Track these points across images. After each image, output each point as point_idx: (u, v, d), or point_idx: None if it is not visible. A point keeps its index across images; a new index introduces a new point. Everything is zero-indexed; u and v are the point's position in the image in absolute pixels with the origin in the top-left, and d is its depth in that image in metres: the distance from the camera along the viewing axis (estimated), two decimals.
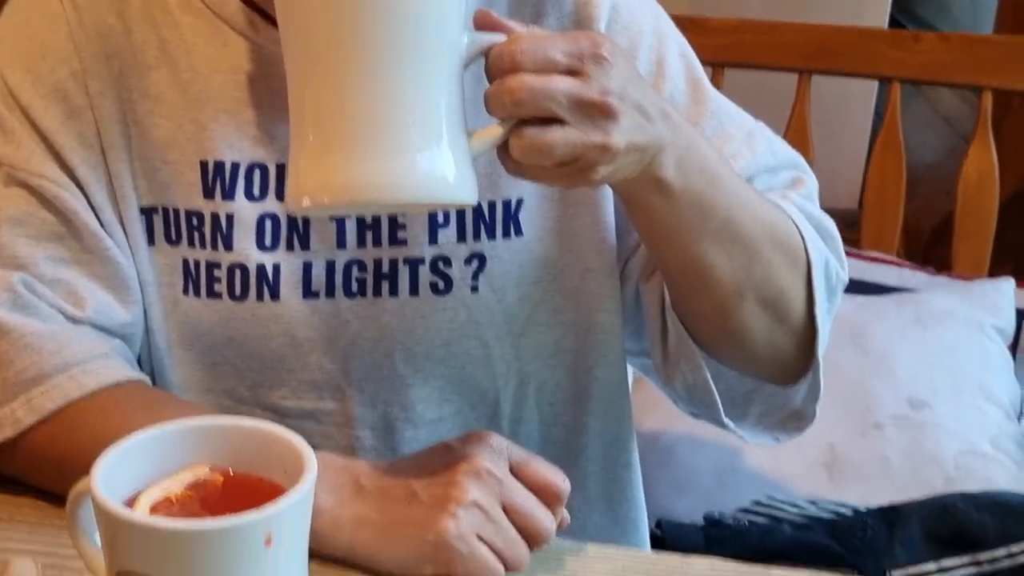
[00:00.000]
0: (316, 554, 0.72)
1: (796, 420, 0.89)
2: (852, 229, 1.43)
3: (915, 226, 2.05)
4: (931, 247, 2.12)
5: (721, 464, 1.18)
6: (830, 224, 0.89)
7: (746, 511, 1.13)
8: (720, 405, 0.86)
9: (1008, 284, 1.38)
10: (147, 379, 0.84)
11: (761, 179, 0.88)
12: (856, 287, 1.39)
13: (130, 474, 0.62)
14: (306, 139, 0.68)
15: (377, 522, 0.73)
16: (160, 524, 0.58)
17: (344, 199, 0.67)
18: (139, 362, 0.87)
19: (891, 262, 1.45)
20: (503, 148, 0.69)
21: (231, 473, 0.64)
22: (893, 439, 1.20)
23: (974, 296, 1.36)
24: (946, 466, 1.18)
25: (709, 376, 0.84)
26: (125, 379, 0.81)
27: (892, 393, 1.23)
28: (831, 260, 0.87)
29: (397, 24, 0.65)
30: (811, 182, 0.92)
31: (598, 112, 0.67)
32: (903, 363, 1.26)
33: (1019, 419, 1.28)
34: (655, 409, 1.21)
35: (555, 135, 0.67)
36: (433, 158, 0.67)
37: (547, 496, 0.73)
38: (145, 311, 0.85)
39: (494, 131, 0.68)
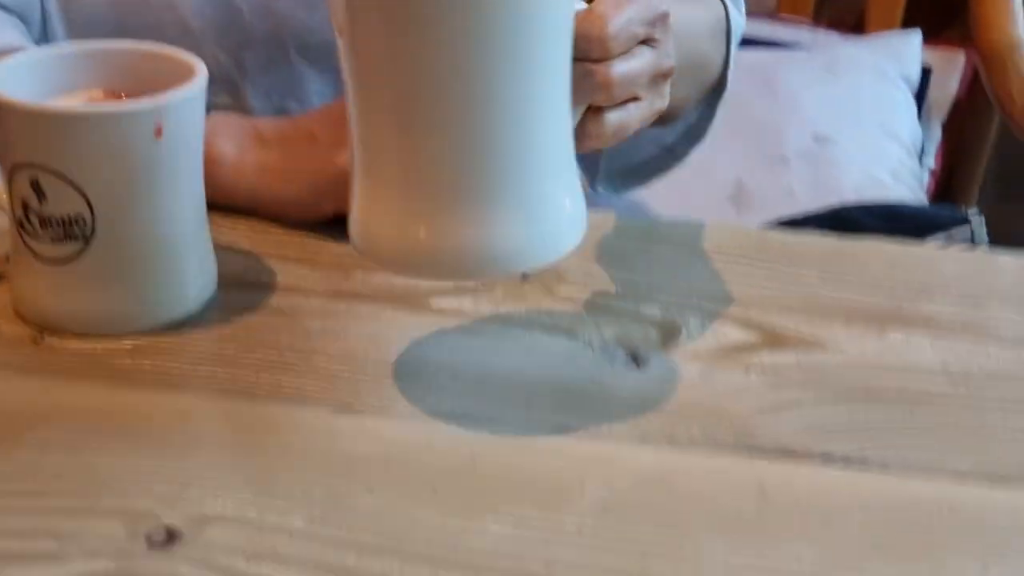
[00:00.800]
0: (217, 207, 0.76)
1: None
2: None
3: None
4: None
5: (627, 200, 1.22)
6: None
7: None
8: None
9: (916, 35, 1.42)
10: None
11: None
12: (771, 44, 1.43)
13: (20, 92, 0.62)
14: (405, 191, 0.54)
15: (278, 166, 0.76)
16: (54, 107, 0.62)
17: (470, 272, 0.58)
18: None
19: (805, 23, 1.48)
20: None
21: (124, 97, 0.67)
22: (798, 171, 1.24)
23: (882, 46, 1.40)
24: (847, 195, 1.23)
25: None
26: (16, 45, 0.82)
27: (798, 130, 1.27)
28: (737, 17, 0.90)
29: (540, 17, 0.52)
30: None
31: (663, 79, 0.66)
32: (810, 104, 1.31)
33: (920, 160, 1.33)
34: None
35: (633, 114, 0.63)
36: (575, 201, 0.57)
37: None
38: None
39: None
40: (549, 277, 0.73)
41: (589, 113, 0.61)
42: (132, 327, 0.66)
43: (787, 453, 0.59)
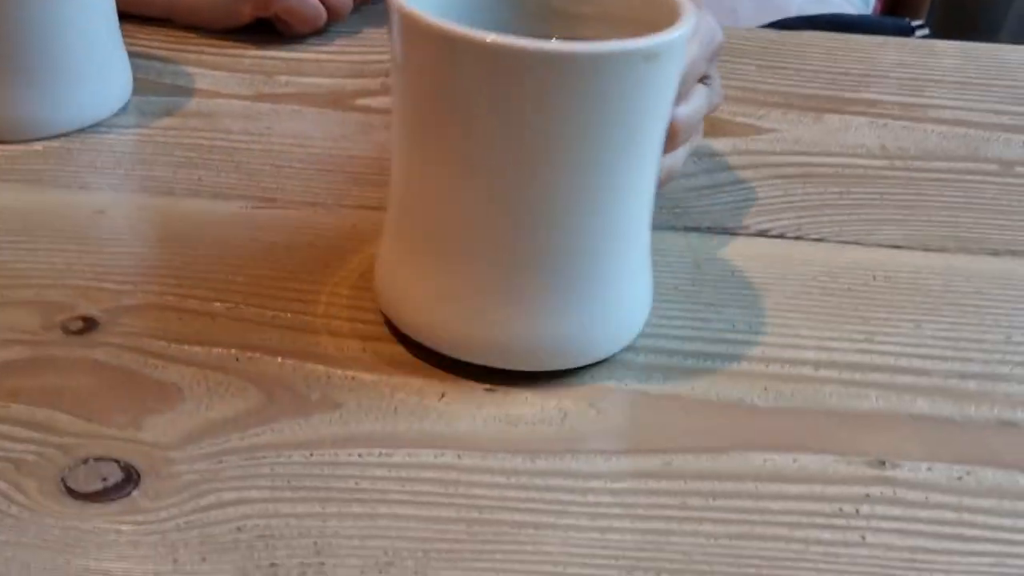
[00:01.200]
0: (131, 17, 0.72)
1: None
2: None
3: None
4: None
5: None
6: None
7: None
8: None
9: None
10: None
11: None
12: None
13: None
14: (479, 275, 0.45)
15: None
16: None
17: (550, 364, 0.47)
18: None
19: None
20: None
21: None
22: None
23: None
24: (791, 12, 1.20)
25: None
26: None
27: None
28: None
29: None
30: None
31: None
32: None
33: None
34: None
35: (680, 157, 0.56)
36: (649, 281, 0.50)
37: None
38: None
39: None
40: None
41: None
42: (42, 132, 0.63)
43: (723, 230, 0.58)
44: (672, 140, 0.53)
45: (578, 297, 0.45)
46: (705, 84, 0.56)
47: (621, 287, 0.47)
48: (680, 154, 0.56)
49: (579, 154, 0.42)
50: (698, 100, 0.55)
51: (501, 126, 0.42)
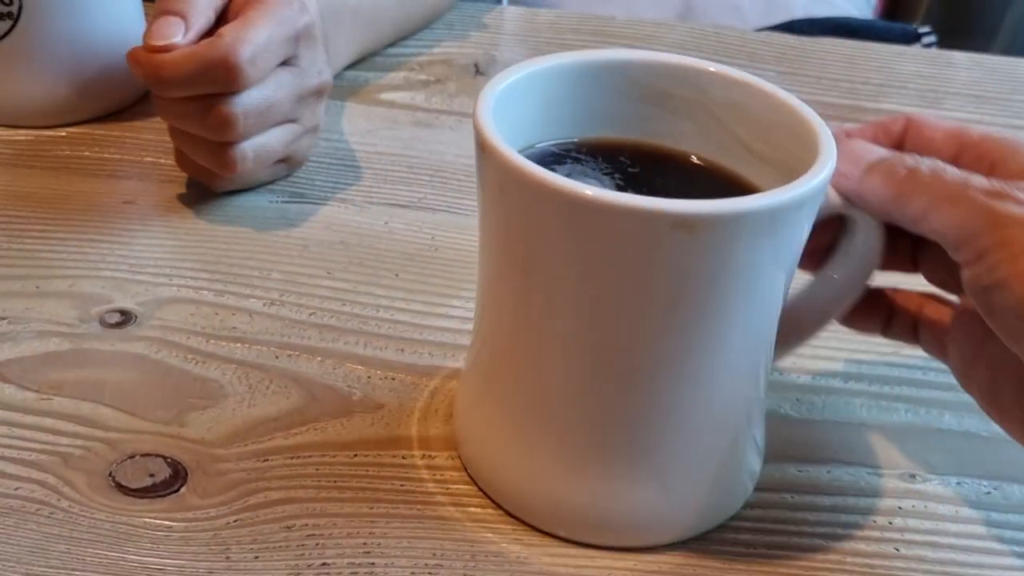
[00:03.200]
0: None
1: None
2: None
3: None
4: None
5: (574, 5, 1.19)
6: None
7: None
8: None
9: None
10: None
11: None
12: None
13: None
14: (575, 444, 0.40)
15: None
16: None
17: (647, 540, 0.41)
18: None
19: None
20: None
21: None
22: None
23: None
24: (796, 14, 1.21)
25: None
26: None
27: None
28: None
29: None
30: None
31: (315, 97, 0.58)
32: None
33: None
34: None
35: (277, 137, 0.56)
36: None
37: None
38: None
39: None
40: (501, 71, 0.71)
41: (222, 145, 0.55)
42: (67, 118, 0.63)
43: None
44: (234, 127, 0.53)
45: (683, 472, 0.40)
46: (292, 67, 0.56)
47: (727, 461, 0.41)
48: (278, 135, 0.56)
49: (697, 319, 0.37)
50: (269, 88, 0.54)
51: (618, 289, 0.36)
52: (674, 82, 0.42)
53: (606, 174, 0.41)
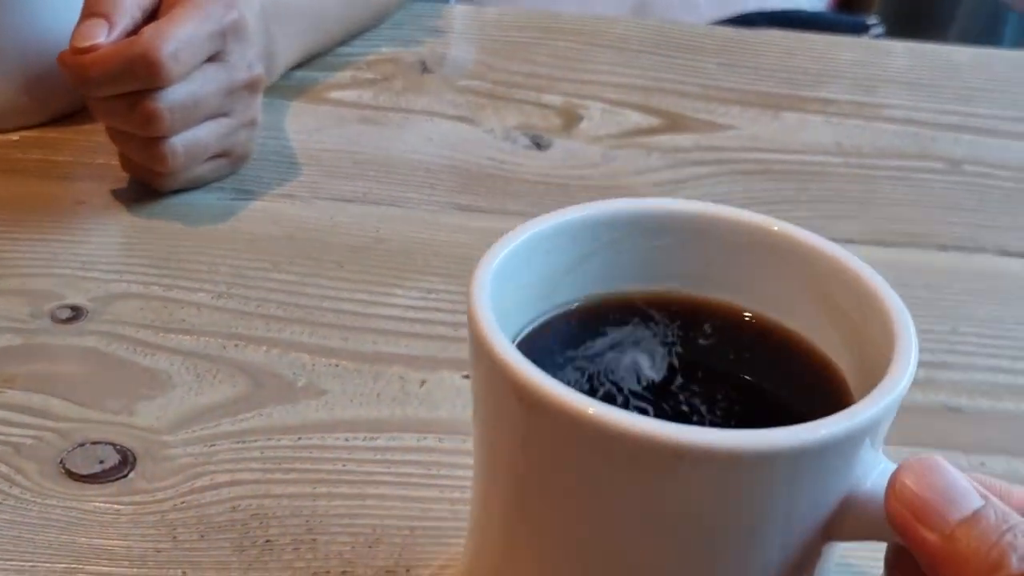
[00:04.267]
0: None
1: None
2: None
3: None
4: None
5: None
6: None
7: None
8: None
9: None
10: None
11: None
12: None
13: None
14: None
15: None
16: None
17: None
18: None
19: None
20: None
21: None
22: None
23: None
24: (749, 3, 1.23)
25: None
26: None
27: None
28: None
29: None
30: None
31: (248, 91, 0.59)
32: None
33: None
34: None
35: (211, 131, 0.58)
36: None
37: None
38: None
39: None
40: (448, 68, 0.73)
41: (152, 141, 0.56)
42: (19, 121, 0.64)
43: None
44: (159, 123, 0.54)
45: None
46: (219, 62, 0.57)
47: None
48: (212, 128, 0.57)
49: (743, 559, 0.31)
50: (195, 83, 0.55)
51: (648, 530, 0.30)
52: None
53: (666, 344, 0.35)
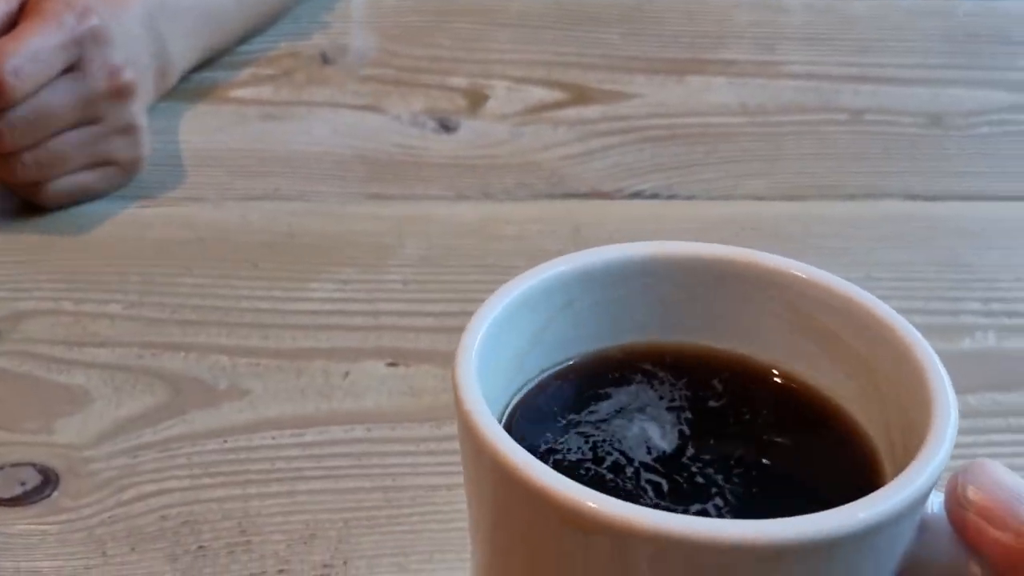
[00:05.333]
0: None
1: None
2: None
3: None
4: None
5: None
6: None
7: None
8: None
9: None
10: None
11: None
12: None
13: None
14: None
15: None
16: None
17: None
18: None
19: None
20: None
21: None
22: None
23: None
24: None
25: None
26: None
27: None
28: None
29: None
30: None
31: (116, 98, 0.57)
32: None
33: None
34: None
35: (72, 140, 0.57)
36: None
37: None
38: None
39: None
40: (349, 58, 0.72)
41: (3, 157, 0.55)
42: None
43: (599, 194, 0.60)
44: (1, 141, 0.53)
45: None
46: (74, 71, 0.56)
47: None
48: (75, 137, 0.56)
49: None
50: (41, 96, 0.54)
51: None
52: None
53: (672, 408, 0.32)
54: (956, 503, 0.29)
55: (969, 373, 0.50)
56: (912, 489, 0.26)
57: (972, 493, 0.29)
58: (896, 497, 0.26)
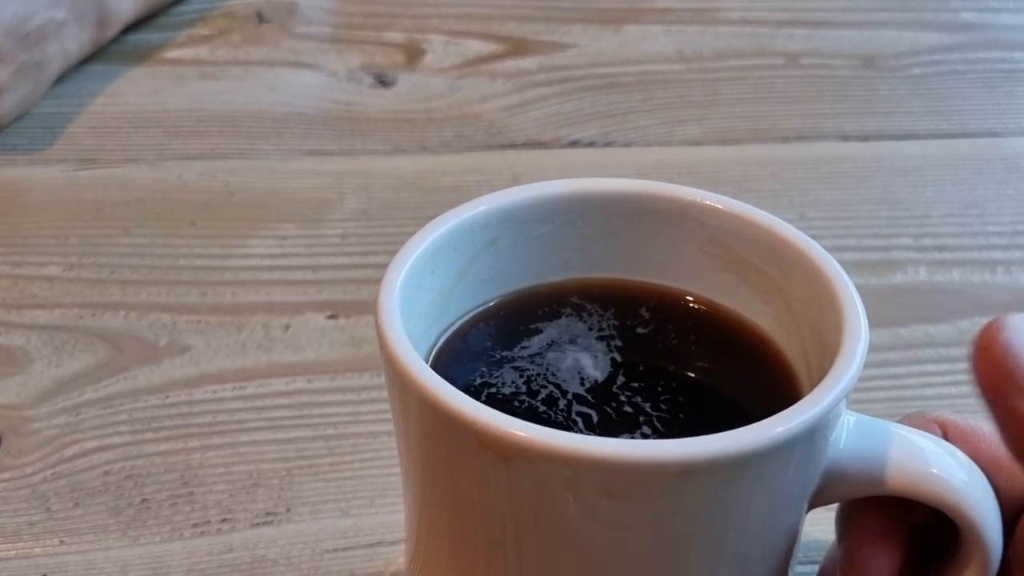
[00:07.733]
0: None
1: None
2: None
3: None
4: None
5: None
6: None
7: None
8: None
9: None
10: None
11: None
12: None
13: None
14: None
15: None
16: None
17: None
18: None
19: None
20: None
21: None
22: None
23: None
24: None
25: None
26: None
27: None
28: None
29: None
30: None
31: None
32: None
33: None
34: None
35: None
36: None
37: None
38: None
39: None
40: (285, 17, 0.72)
41: None
42: None
43: (537, 144, 0.61)
44: None
45: None
46: None
47: None
48: None
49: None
50: None
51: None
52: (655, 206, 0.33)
53: (601, 337, 0.33)
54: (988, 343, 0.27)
55: (901, 306, 0.51)
56: (822, 406, 0.27)
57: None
58: (806, 414, 0.26)
